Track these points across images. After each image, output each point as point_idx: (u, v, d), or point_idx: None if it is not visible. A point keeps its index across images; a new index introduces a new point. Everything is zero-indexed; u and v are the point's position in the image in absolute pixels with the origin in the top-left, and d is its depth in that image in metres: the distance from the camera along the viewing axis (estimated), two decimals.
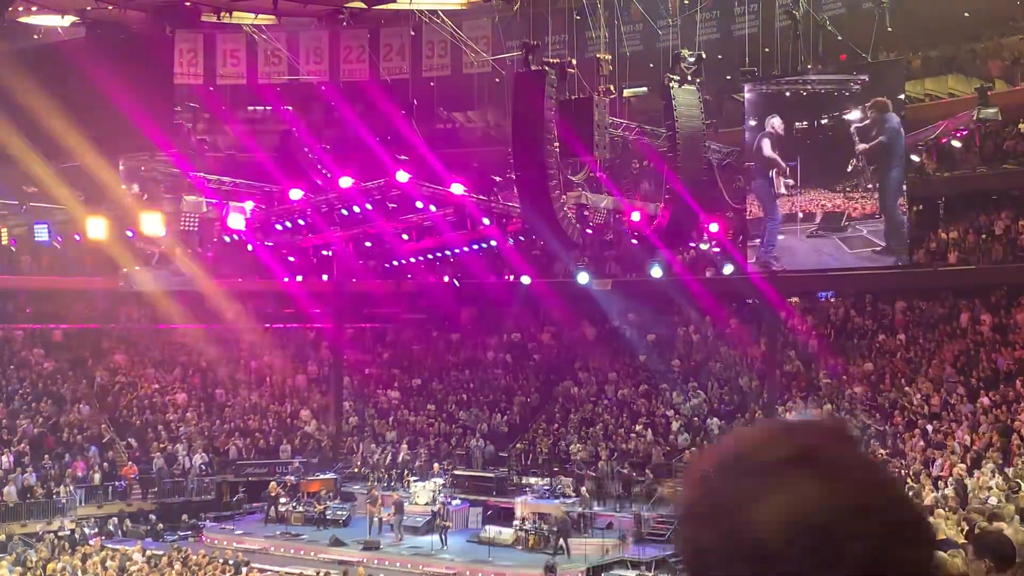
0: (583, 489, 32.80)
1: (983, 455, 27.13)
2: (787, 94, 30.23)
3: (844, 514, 1.30)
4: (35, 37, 35.29)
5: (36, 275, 41.79)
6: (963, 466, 26.70)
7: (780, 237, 30.27)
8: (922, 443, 29.60)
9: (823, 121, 30.01)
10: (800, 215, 30.05)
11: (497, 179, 32.76)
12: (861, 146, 29.09)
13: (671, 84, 26.98)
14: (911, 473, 27.28)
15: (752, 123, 30.66)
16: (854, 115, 29.03)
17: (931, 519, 18.85)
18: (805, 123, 30.10)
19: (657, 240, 31.31)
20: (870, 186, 29.45)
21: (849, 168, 29.41)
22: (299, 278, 40.42)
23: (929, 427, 30.18)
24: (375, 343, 46.91)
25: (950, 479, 26.23)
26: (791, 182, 30.74)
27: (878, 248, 29.36)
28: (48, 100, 26.78)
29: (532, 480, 35.11)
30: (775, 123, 29.87)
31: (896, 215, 29.38)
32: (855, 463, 1.38)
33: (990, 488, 23.95)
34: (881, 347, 36.09)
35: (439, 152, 34.84)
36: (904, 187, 29.43)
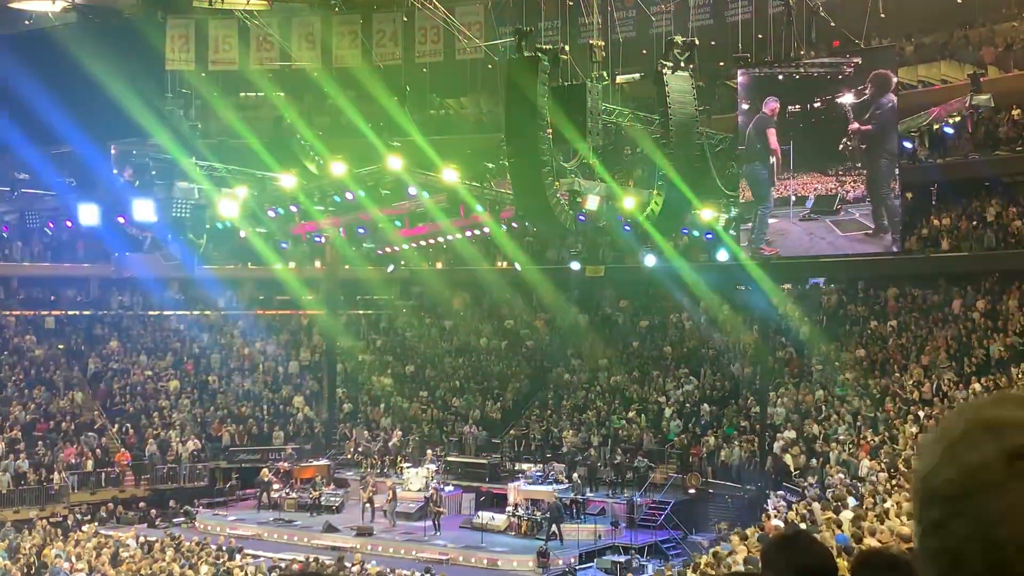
0: (575, 475, 32.88)
1: None
2: (780, 77, 30.18)
3: None
4: (26, 23, 35.16)
5: (28, 261, 41.72)
6: None
7: (772, 221, 30.24)
8: (914, 429, 29.69)
9: (815, 104, 29.97)
10: (793, 198, 30.03)
11: (490, 165, 32.72)
12: (854, 125, 29.02)
13: (664, 70, 26.93)
14: (904, 460, 27.36)
15: (745, 106, 30.60)
16: (847, 98, 28.95)
17: None
18: (798, 106, 30.05)
19: (650, 226, 31.30)
20: (859, 164, 29.39)
21: (840, 147, 29.33)
22: (291, 264, 40.42)
23: (921, 413, 30.27)
24: (368, 330, 46.93)
25: None
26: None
27: (870, 230, 29.35)
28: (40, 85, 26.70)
29: (525, 466, 35.18)
30: (775, 107, 29.68)
31: (888, 199, 29.36)
32: None
33: None
34: (873, 333, 36.18)
35: (432, 138, 34.80)
36: (896, 171, 29.40)
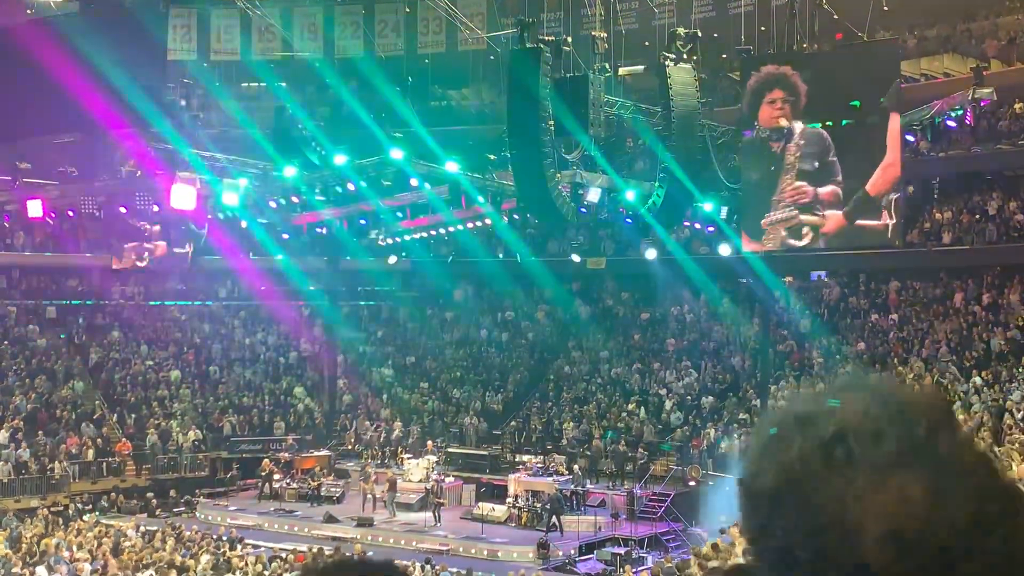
0: (576, 467, 32.91)
1: (975, 434, 27.25)
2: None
3: (961, 527, 1.11)
4: (28, 12, 35.12)
5: (30, 251, 41.71)
6: None
7: (774, 212, 30.18)
8: None
9: None
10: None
11: (492, 157, 32.70)
12: None
13: (667, 62, 26.91)
14: None
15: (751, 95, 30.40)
16: None
17: None
18: None
19: (652, 219, 31.31)
20: None
21: None
22: (293, 256, 40.43)
23: None
24: (369, 321, 46.95)
25: None
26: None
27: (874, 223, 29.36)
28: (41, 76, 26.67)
29: (525, 458, 35.22)
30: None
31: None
32: (969, 459, 1.17)
33: None
34: (874, 327, 36.19)
35: (434, 129, 34.78)
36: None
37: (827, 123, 28.98)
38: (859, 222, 28.96)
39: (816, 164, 29.01)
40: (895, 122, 28.27)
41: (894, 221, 28.97)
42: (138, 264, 38.73)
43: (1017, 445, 24.60)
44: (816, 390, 1.27)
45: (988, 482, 1.16)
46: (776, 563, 1.19)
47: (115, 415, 38.41)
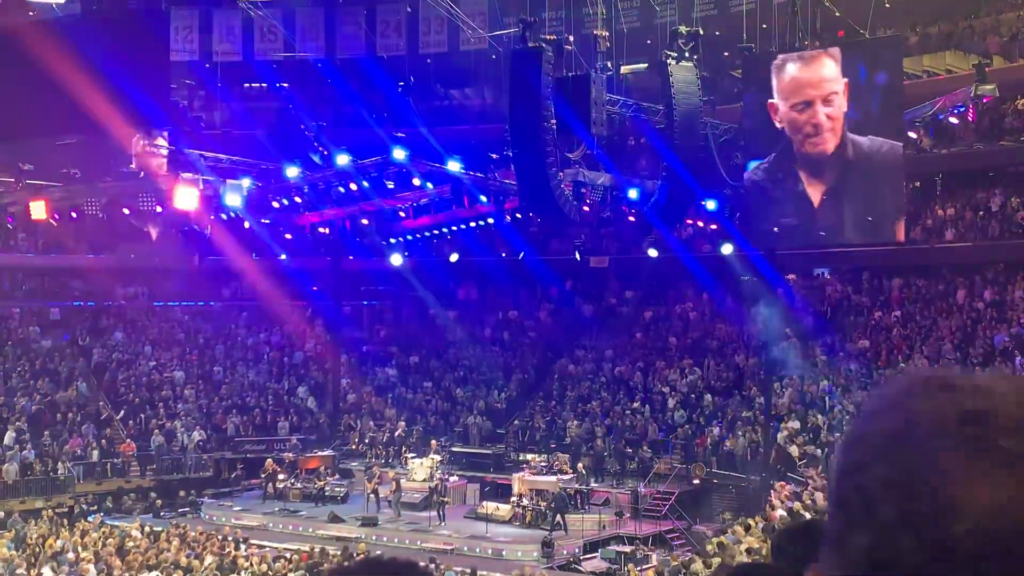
0: (580, 465, 32.93)
1: None
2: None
3: None
4: (30, 14, 35.17)
5: (33, 253, 41.77)
6: None
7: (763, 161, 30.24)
8: None
9: None
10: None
11: (494, 156, 32.73)
12: None
13: (668, 61, 26.92)
14: None
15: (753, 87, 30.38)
16: None
17: None
18: None
19: (654, 217, 31.32)
20: None
21: None
22: (295, 256, 40.45)
23: None
24: (372, 320, 46.97)
25: None
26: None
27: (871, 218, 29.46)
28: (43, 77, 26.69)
29: (529, 456, 35.23)
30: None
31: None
32: None
33: None
34: (877, 324, 36.18)
35: (436, 129, 34.80)
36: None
37: None
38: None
39: None
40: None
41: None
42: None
43: None
44: (955, 372, 1.15)
45: None
46: (854, 513, 1.09)
47: (119, 416, 38.45)
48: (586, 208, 30.70)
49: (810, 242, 32.06)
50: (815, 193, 29.83)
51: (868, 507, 1.07)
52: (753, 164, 30.51)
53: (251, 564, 25.05)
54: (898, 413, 1.10)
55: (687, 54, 27.02)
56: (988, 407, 1.07)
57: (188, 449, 37.21)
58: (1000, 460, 1.03)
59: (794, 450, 30.97)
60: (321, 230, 38.90)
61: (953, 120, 30.86)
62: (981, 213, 35.14)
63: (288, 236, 38.75)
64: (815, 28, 31.32)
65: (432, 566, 23.99)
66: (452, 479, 33.62)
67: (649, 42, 33.44)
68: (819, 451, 30.35)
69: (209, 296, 45.16)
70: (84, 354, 41.35)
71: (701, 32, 27.76)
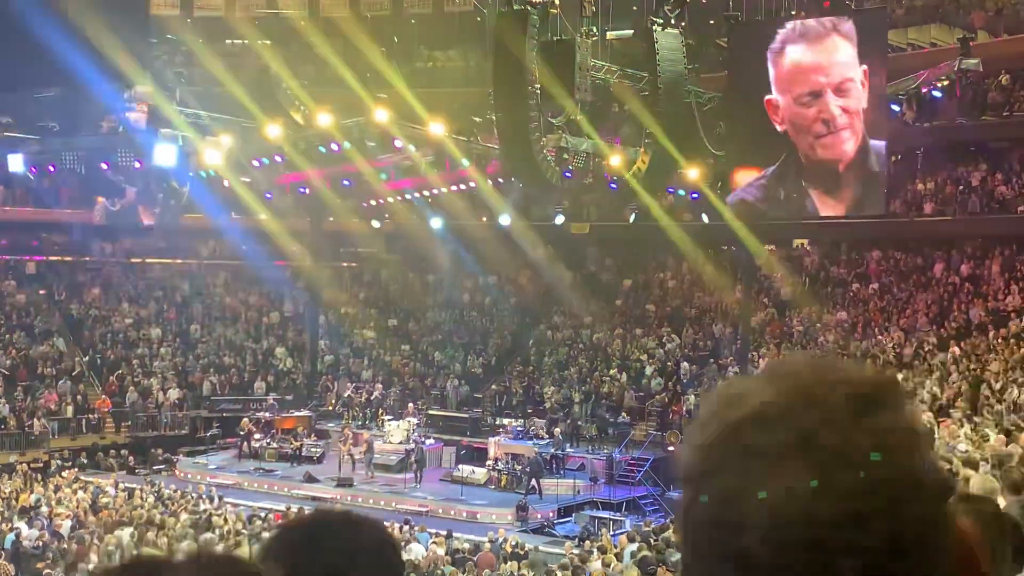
0: (556, 431, 33.04)
1: (952, 405, 27.43)
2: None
3: (839, 522, 1.06)
4: None
5: (10, 206, 41.37)
6: (930, 415, 26.98)
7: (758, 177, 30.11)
8: None
9: None
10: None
11: (477, 119, 32.56)
12: None
13: (654, 27, 26.78)
14: None
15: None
16: None
17: None
18: None
19: (636, 185, 31.26)
20: None
21: None
22: (276, 215, 40.20)
23: (900, 376, 30.46)
24: (352, 282, 46.85)
25: None
26: None
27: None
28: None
29: (506, 421, 35.34)
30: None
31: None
32: (861, 448, 1.10)
33: (957, 437, 24.24)
34: (855, 296, 36.34)
35: (419, 91, 34.56)
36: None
37: None
38: None
39: None
40: None
41: None
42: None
43: (993, 416, 24.78)
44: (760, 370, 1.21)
45: (884, 474, 1.09)
46: (691, 548, 1.16)
47: (95, 372, 38.30)
48: (568, 174, 30.61)
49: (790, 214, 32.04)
50: (832, 213, 28.87)
51: (695, 542, 1.16)
52: (745, 179, 29.93)
53: (225, 522, 25.05)
54: (695, 445, 1.17)
55: (673, 21, 26.89)
56: (750, 414, 1.13)
57: (164, 407, 37.12)
58: (763, 460, 1.10)
59: None
60: (301, 190, 38.69)
61: (936, 94, 30.83)
62: (961, 187, 35.24)
63: (269, 195, 38.51)
64: None
65: (407, 527, 24.09)
66: (428, 442, 33.68)
67: (635, 8, 33.21)
68: None
69: (188, 254, 44.91)
70: (60, 309, 41.11)
71: None
